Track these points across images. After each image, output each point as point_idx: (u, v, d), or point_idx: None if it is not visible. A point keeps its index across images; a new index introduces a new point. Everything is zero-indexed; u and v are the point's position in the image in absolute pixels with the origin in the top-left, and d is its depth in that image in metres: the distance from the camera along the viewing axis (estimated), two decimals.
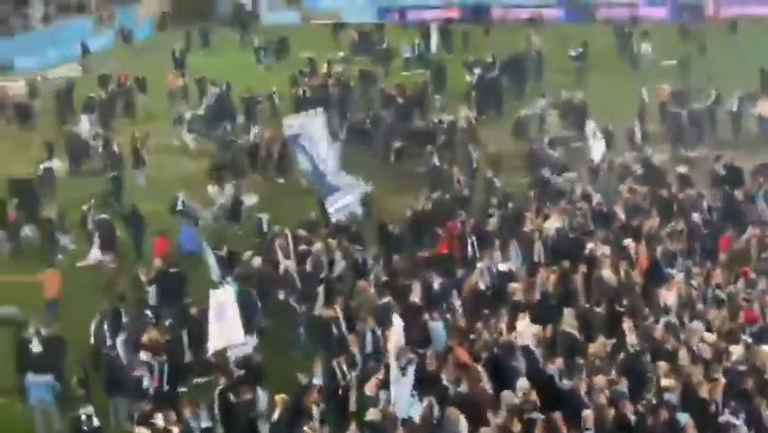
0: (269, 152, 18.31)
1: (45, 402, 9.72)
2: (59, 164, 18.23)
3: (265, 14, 34.90)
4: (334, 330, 10.56)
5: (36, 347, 9.84)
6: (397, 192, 16.82)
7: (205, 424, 8.75)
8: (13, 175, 17.24)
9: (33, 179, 17.05)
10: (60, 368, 10.08)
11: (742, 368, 9.47)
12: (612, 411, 8.57)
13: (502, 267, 11.84)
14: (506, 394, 8.57)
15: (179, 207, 14.92)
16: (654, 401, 8.92)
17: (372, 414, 8.51)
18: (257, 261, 12.04)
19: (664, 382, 9.11)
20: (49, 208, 16.04)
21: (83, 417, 8.67)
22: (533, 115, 20.45)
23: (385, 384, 8.91)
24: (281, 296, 11.71)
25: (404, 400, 8.72)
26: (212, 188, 16.05)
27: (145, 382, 9.47)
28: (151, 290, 11.71)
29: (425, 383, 9.19)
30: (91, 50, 29.55)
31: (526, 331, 10.06)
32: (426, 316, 10.67)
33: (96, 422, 8.74)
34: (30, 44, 29.08)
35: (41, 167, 17.54)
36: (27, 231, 15.20)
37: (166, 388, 9.64)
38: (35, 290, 12.40)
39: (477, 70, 23.10)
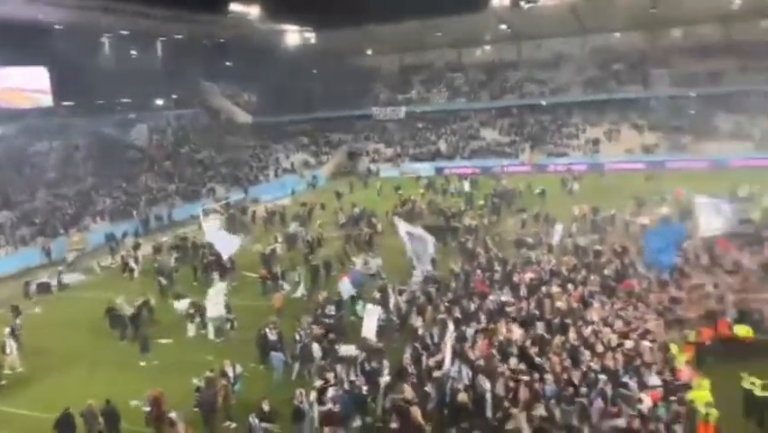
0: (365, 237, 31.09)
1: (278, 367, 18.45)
2: (281, 246, 31.85)
3: (381, 172, 58.57)
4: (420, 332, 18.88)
5: (272, 336, 18.91)
6: (447, 258, 26.76)
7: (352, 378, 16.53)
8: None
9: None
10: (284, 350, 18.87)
11: (632, 353, 16.10)
12: (564, 375, 15.30)
13: (503, 298, 20.35)
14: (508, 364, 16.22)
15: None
16: (584, 369, 15.46)
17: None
18: (378, 295, 21.19)
19: (592, 362, 15.89)
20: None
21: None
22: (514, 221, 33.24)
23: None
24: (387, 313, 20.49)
25: (448, 365, 15.80)
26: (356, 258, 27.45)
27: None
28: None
29: (462, 358, 16.24)
30: (296, 191, 51.04)
31: (516, 332, 17.55)
32: (464, 326, 18.53)
33: None
34: (267, 188, 51.61)
35: (269, 248, 30.77)
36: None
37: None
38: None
39: (489, 200, 39.31)
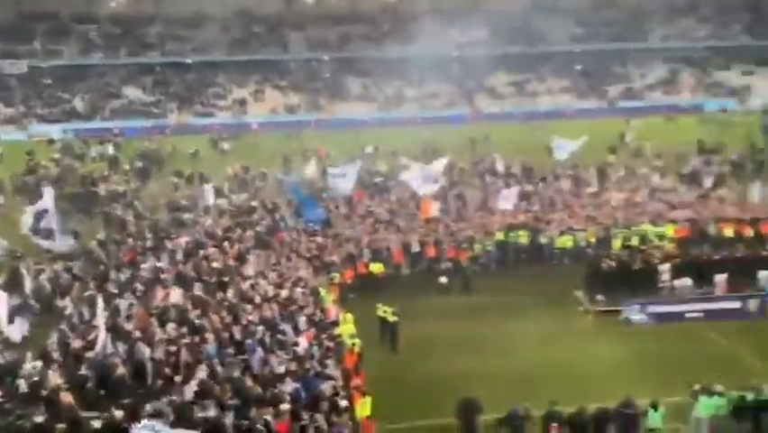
0: None
1: None
2: None
3: (2, 135, 47.72)
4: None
5: None
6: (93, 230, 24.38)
7: None
8: None
9: None
10: None
11: (287, 301, 17.40)
12: (225, 332, 15.91)
13: (158, 264, 19.68)
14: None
15: None
16: (245, 323, 16.74)
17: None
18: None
19: (251, 315, 16.87)
20: None
21: None
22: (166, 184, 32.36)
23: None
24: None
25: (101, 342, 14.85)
26: None
27: None
28: None
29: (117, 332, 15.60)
30: None
31: (174, 297, 17.28)
32: (118, 298, 17.66)
33: None
34: None
35: None
36: None
37: None
38: None
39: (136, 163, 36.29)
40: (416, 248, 23.34)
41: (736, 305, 19.47)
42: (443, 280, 21.67)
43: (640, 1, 69.25)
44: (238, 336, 15.33)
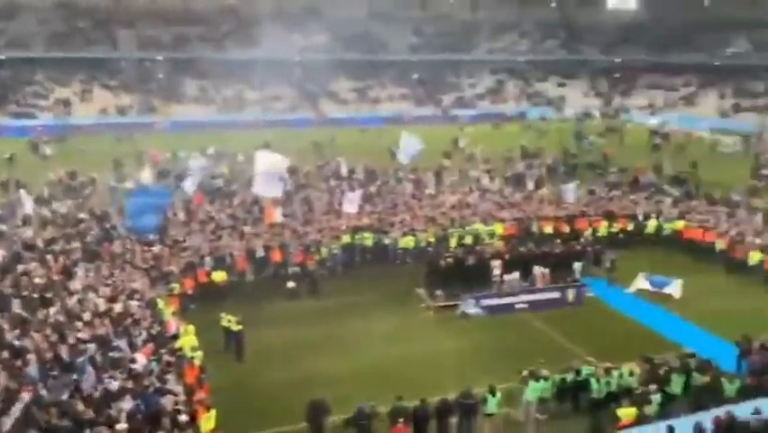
0: None
1: None
2: None
3: None
4: None
5: None
6: None
7: None
8: None
9: None
10: None
11: (121, 316, 16.60)
12: (50, 352, 15.04)
13: None
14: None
15: None
16: (73, 342, 15.65)
17: None
18: None
19: (81, 332, 15.64)
20: None
21: None
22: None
23: None
24: None
25: None
26: None
27: None
28: None
29: None
30: None
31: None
32: None
33: None
34: None
35: None
36: None
37: None
38: None
39: None
40: (260, 253, 22.96)
41: (557, 295, 21.34)
42: (291, 284, 21.53)
43: (470, 15, 73.95)
44: (65, 355, 14.09)
